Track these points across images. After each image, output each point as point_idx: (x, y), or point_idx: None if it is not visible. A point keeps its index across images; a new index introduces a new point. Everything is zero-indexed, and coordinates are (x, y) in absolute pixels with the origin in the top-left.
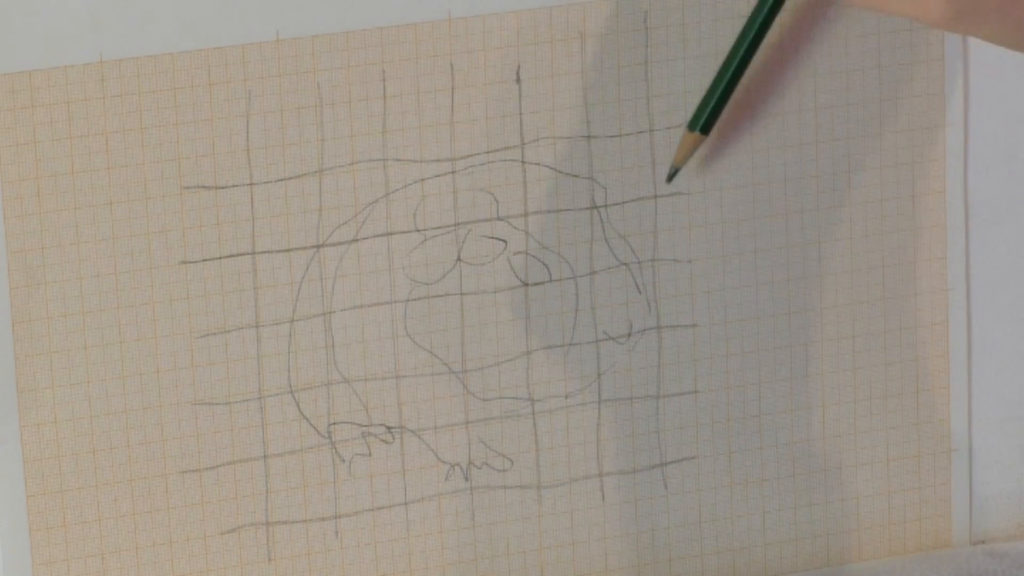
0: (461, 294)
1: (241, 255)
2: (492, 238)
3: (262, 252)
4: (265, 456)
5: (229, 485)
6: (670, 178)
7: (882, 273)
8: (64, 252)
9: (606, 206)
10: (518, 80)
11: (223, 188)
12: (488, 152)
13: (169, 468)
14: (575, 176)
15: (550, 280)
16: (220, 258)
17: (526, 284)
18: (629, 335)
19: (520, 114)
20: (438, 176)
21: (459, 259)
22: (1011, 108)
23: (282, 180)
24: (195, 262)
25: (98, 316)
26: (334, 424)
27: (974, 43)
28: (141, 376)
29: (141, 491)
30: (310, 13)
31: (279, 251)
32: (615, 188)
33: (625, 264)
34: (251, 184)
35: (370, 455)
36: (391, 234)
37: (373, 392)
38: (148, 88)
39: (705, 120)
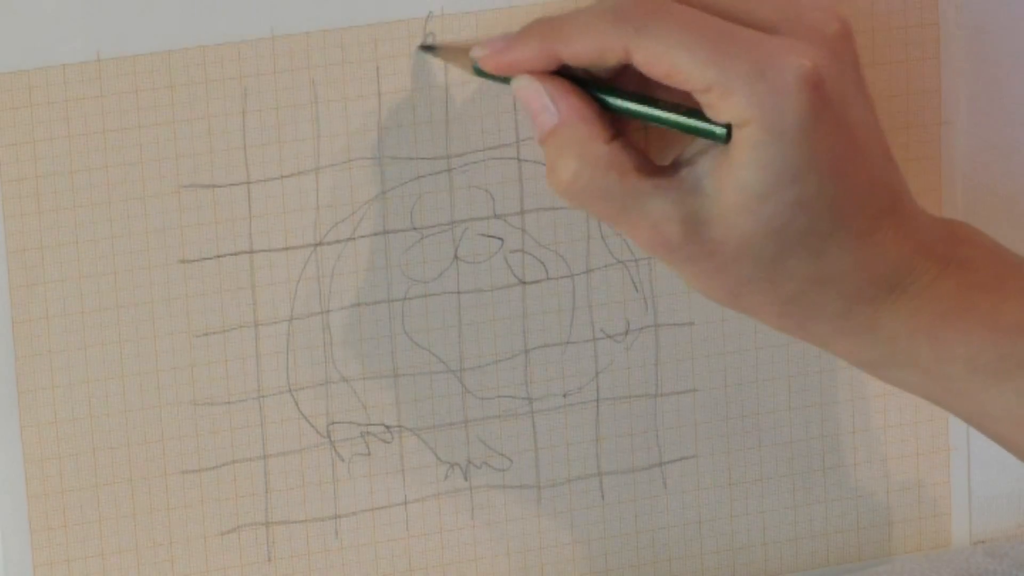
0: (458, 292)
1: (239, 254)
2: (489, 236)
3: (260, 251)
4: (264, 456)
5: (229, 485)
6: (425, 48)
7: None
8: (62, 251)
9: None
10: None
11: (220, 186)
12: (484, 150)
13: (169, 468)
14: None
15: (547, 278)
16: (218, 257)
17: (523, 282)
18: (627, 333)
19: (515, 111)
20: (434, 174)
21: (456, 257)
22: (1008, 106)
23: (279, 178)
24: (193, 261)
25: (97, 315)
26: (333, 423)
27: (973, 42)
28: (140, 376)
29: (141, 491)
30: (304, 10)
31: (277, 249)
32: None
33: (622, 262)
34: (248, 183)
35: (369, 454)
36: (388, 232)
37: (371, 391)
38: (145, 86)
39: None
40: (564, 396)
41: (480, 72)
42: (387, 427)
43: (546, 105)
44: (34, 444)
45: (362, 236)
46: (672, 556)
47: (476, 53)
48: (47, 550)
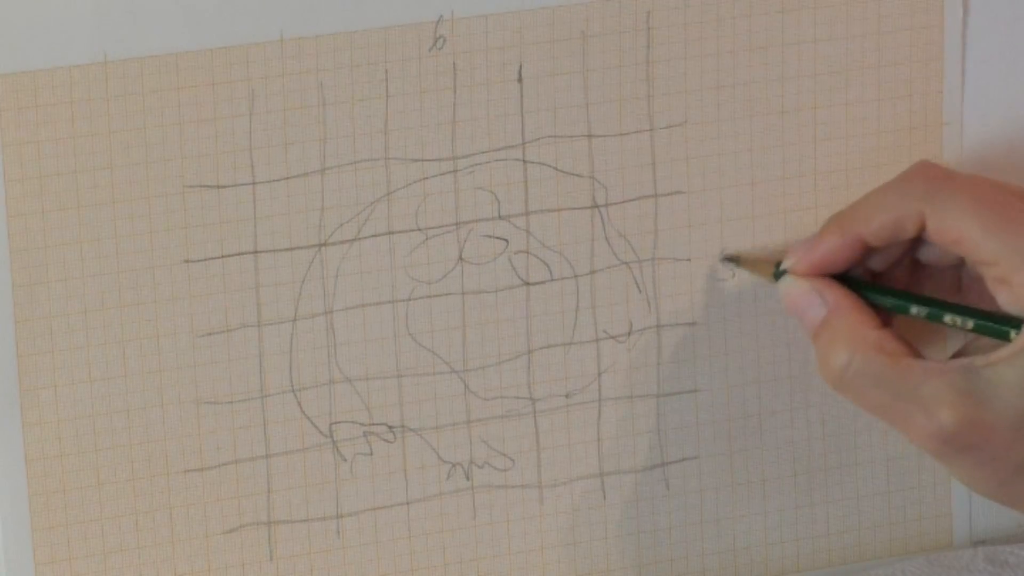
0: (462, 293)
1: (243, 254)
2: (493, 237)
3: (264, 251)
4: (267, 455)
5: (231, 484)
6: (726, 260)
7: None
8: (67, 251)
9: (607, 205)
10: (519, 79)
11: (225, 187)
12: (489, 151)
13: (171, 467)
14: (576, 175)
15: (551, 279)
16: (222, 257)
17: (527, 283)
18: (629, 334)
19: (521, 113)
20: (440, 175)
21: (460, 258)
22: (1007, 108)
23: (284, 179)
24: (197, 261)
25: (100, 315)
26: (336, 423)
27: (972, 41)
28: (143, 375)
29: (143, 490)
30: (313, 13)
31: (281, 250)
32: (616, 187)
33: (625, 263)
34: (253, 183)
35: (372, 454)
36: (393, 233)
37: (375, 391)
38: (151, 88)
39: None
40: (566, 396)
41: (779, 279)
42: (390, 427)
43: (814, 301)
44: (36, 443)
45: (367, 237)
46: (674, 556)
47: (786, 263)
48: (49, 548)
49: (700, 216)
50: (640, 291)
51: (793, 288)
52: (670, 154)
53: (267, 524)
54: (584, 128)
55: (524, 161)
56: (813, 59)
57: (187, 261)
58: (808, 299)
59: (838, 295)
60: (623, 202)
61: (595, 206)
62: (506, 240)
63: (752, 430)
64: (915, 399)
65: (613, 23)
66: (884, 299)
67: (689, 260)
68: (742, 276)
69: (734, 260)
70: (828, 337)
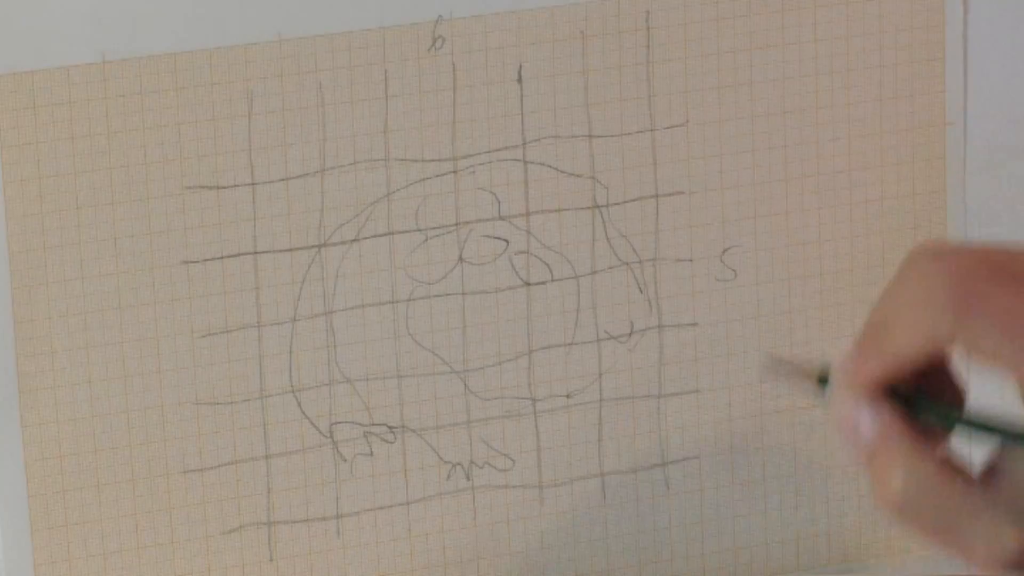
0: (463, 294)
1: (243, 255)
2: (494, 238)
3: (264, 252)
4: (267, 456)
5: (231, 485)
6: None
7: (882, 272)
8: (66, 252)
9: (607, 205)
10: (519, 80)
11: (225, 188)
12: (489, 152)
13: (171, 468)
14: (577, 175)
15: (551, 279)
16: (222, 258)
17: (528, 284)
18: (630, 334)
19: (521, 114)
20: (440, 176)
21: (461, 259)
22: (1011, 107)
23: (284, 180)
24: (197, 262)
25: (100, 316)
26: (336, 424)
27: (974, 40)
28: (143, 376)
29: (143, 491)
30: (312, 13)
31: (281, 251)
32: (616, 187)
33: (626, 263)
34: (253, 184)
35: (372, 455)
36: (393, 234)
37: (375, 392)
38: (150, 88)
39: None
40: (567, 397)
41: (823, 386)
42: (390, 427)
43: (865, 418)
44: (36, 444)
45: (367, 237)
46: (674, 556)
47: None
48: (48, 549)
49: (701, 216)
50: (641, 291)
51: (844, 406)
52: (671, 154)
53: (267, 524)
54: (584, 128)
55: (524, 161)
56: (814, 59)
57: (186, 262)
58: (860, 417)
59: (892, 411)
60: (624, 202)
61: (596, 206)
62: (506, 240)
63: (752, 430)
64: (976, 521)
65: (613, 23)
66: (931, 416)
67: (691, 260)
68: (744, 277)
69: (776, 368)
70: (886, 458)
